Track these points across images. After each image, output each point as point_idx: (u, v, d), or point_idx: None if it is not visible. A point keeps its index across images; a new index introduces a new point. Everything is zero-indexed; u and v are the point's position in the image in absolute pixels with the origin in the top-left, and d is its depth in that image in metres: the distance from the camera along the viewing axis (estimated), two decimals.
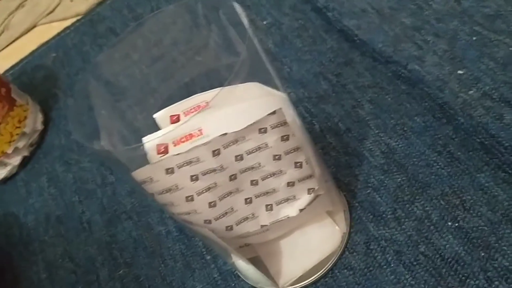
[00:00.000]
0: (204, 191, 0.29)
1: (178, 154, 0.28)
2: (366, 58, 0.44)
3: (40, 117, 0.58)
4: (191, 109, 0.33)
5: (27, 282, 0.46)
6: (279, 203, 0.32)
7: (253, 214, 0.32)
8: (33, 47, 0.73)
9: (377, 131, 0.40)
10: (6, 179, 0.56)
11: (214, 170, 0.29)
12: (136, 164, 0.29)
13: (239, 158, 0.29)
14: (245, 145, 0.29)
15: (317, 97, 0.45)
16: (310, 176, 0.31)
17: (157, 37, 0.33)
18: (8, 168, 0.55)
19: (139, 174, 0.29)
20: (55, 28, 0.73)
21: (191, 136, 0.30)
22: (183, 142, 0.30)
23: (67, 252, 0.46)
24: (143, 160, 0.30)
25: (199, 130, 0.30)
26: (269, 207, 0.32)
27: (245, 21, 0.28)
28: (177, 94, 0.34)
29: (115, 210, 0.47)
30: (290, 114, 0.29)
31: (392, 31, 0.45)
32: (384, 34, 0.45)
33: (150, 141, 0.30)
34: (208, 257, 0.40)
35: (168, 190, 0.29)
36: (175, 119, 0.33)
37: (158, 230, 0.43)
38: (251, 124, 0.28)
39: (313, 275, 0.35)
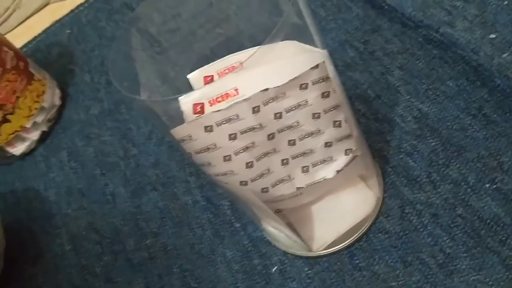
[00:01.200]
0: (242, 150, 0.29)
1: (218, 110, 0.27)
2: (395, 24, 0.44)
3: (57, 93, 0.57)
4: (225, 70, 0.32)
5: (50, 254, 0.46)
6: (315, 164, 0.31)
7: (289, 176, 0.31)
8: (46, 24, 0.72)
9: (408, 97, 0.39)
10: (25, 155, 0.55)
11: (253, 129, 0.28)
12: (174, 123, 0.28)
13: (278, 116, 0.29)
14: (285, 102, 0.28)
15: (344, 65, 0.44)
16: (348, 136, 0.31)
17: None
18: (27, 143, 0.54)
19: (178, 131, 0.28)
20: (68, 5, 0.72)
21: (227, 95, 0.29)
22: (219, 102, 0.29)
23: (91, 224, 0.46)
24: (181, 119, 0.29)
25: (235, 90, 0.29)
26: (305, 169, 0.31)
27: None
28: (207, 57, 0.33)
29: (139, 181, 0.46)
30: (331, 70, 0.29)
31: None
32: (413, 0, 0.44)
33: (186, 100, 0.29)
34: (238, 225, 0.39)
35: (206, 149, 0.29)
36: (209, 80, 0.32)
37: (185, 200, 0.43)
38: (292, 79, 0.27)
39: (347, 240, 0.35)
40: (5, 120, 0.52)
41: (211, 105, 0.29)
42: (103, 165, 0.49)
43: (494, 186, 0.33)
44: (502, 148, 0.34)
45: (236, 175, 0.30)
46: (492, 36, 0.39)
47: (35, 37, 0.71)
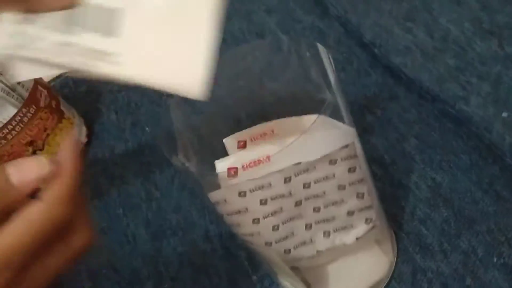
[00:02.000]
0: (270, 215, 0.31)
1: (253, 179, 0.30)
2: (412, 95, 0.46)
3: (84, 130, 0.60)
4: (257, 136, 0.35)
5: None
6: (336, 230, 0.34)
7: (311, 240, 0.34)
8: None
9: (422, 166, 0.42)
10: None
11: (282, 196, 0.31)
12: (207, 182, 0.31)
13: (307, 186, 0.31)
14: (314, 174, 0.31)
15: (362, 129, 0.47)
16: (369, 207, 0.33)
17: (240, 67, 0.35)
18: None
19: (215, 195, 0.31)
20: None
21: (259, 161, 0.32)
22: (251, 167, 0.32)
23: (111, 263, 0.47)
24: (215, 180, 0.31)
25: (267, 157, 0.31)
26: (326, 234, 0.34)
27: (329, 64, 0.30)
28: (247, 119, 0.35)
29: (160, 225, 0.48)
30: (358, 148, 0.31)
31: (436, 71, 0.47)
32: (429, 73, 0.47)
33: (222, 164, 0.32)
34: (254, 277, 0.41)
35: (238, 212, 0.31)
36: (242, 145, 0.35)
37: (204, 247, 0.45)
38: (324, 156, 0.30)
39: None
40: None
41: (244, 170, 0.32)
42: (126, 206, 0.52)
43: (502, 260, 0.35)
44: (510, 224, 0.36)
45: (262, 236, 0.32)
46: (504, 115, 0.42)
47: (64, 72, 0.74)
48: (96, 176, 0.56)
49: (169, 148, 0.32)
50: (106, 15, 0.24)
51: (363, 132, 0.47)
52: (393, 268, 0.37)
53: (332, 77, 0.32)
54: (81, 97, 0.68)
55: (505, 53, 0.46)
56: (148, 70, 0.24)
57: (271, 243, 0.33)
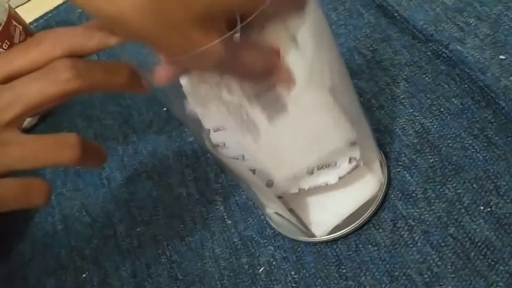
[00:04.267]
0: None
1: None
2: (405, 36, 0.43)
3: None
4: None
5: (41, 232, 0.46)
6: (320, 167, 0.31)
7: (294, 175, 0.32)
8: (58, 1, 0.71)
9: (411, 110, 0.39)
10: (25, 131, 0.55)
11: None
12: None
13: None
14: None
15: (350, 72, 0.43)
16: (354, 143, 0.31)
17: None
18: (28, 119, 0.54)
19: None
20: None
21: None
22: None
23: (85, 206, 0.46)
24: None
25: None
26: (310, 170, 0.32)
27: None
28: None
29: (136, 168, 0.46)
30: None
31: (432, 11, 0.44)
32: (425, 13, 0.44)
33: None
34: (229, 222, 0.39)
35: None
36: None
37: (179, 191, 0.43)
38: None
39: (351, 225, 0.34)
40: None
41: None
42: None
43: (489, 209, 0.33)
44: (501, 172, 0.34)
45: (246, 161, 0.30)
46: (502, 57, 0.39)
47: (46, 13, 0.70)
48: (73, 118, 0.54)
49: None
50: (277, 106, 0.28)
51: (352, 76, 0.43)
52: (384, 188, 0.35)
53: None
54: None
55: None
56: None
57: (254, 171, 0.31)
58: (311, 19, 0.26)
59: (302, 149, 0.31)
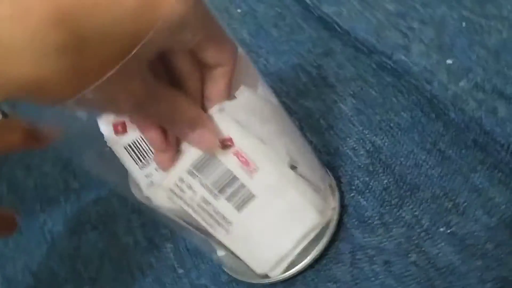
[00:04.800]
0: None
1: None
2: (348, 48, 0.41)
3: None
4: None
5: None
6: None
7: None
8: None
9: (361, 128, 0.37)
10: None
11: None
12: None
13: None
14: None
15: (296, 92, 0.41)
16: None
17: None
18: None
19: None
20: None
21: None
22: None
23: (28, 267, 0.42)
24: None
25: None
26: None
27: None
28: None
29: (79, 219, 0.43)
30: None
31: (374, 18, 0.42)
32: (366, 22, 0.42)
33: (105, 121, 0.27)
34: (181, 271, 0.36)
35: None
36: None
37: (126, 240, 0.40)
38: None
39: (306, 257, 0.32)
40: None
41: None
42: (43, 199, 0.46)
43: (449, 230, 0.31)
44: (458, 188, 0.32)
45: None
46: (449, 61, 0.37)
47: None
48: (12, 167, 0.50)
49: None
50: (244, 195, 0.28)
51: (298, 97, 0.41)
52: (336, 217, 0.32)
53: None
54: None
55: None
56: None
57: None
58: (247, 96, 0.27)
59: (278, 232, 0.30)
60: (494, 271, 0.28)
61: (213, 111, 0.27)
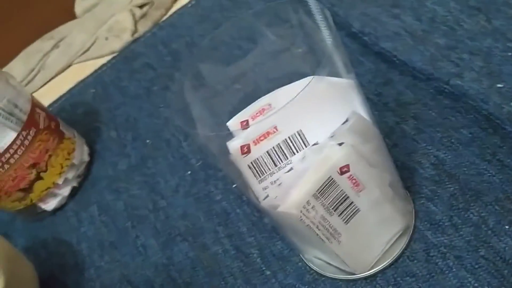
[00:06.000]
0: None
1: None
2: (406, 77, 0.47)
3: (86, 149, 0.60)
4: (256, 113, 0.35)
5: None
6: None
7: None
8: (70, 85, 0.76)
9: (424, 145, 0.42)
10: (56, 210, 0.57)
11: None
12: (224, 159, 0.32)
13: None
14: None
15: None
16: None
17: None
18: (58, 198, 0.57)
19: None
20: (90, 66, 0.77)
21: (268, 133, 0.32)
22: (262, 140, 0.32)
23: (125, 276, 0.47)
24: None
25: (274, 128, 0.32)
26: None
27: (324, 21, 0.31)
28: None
29: (169, 233, 0.48)
30: (358, 99, 0.32)
31: (427, 51, 0.47)
32: (421, 54, 0.47)
33: (233, 144, 0.32)
34: (268, 273, 0.41)
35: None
36: (245, 124, 0.35)
37: (215, 249, 0.45)
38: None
39: (389, 258, 0.37)
40: (38, 178, 0.55)
41: (255, 145, 0.32)
42: (133, 218, 0.52)
43: None
44: None
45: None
46: (499, 85, 0.42)
47: (60, 97, 0.75)
48: (101, 193, 0.56)
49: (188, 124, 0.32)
50: (352, 210, 0.33)
51: None
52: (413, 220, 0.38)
53: (326, 31, 0.32)
54: (79, 118, 0.69)
55: (493, 26, 0.46)
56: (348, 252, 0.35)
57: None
58: (357, 119, 0.32)
59: (374, 237, 0.36)
60: None
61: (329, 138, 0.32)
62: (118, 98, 0.67)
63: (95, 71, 0.74)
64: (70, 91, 0.75)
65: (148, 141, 0.58)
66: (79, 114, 0.69)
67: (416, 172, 0.41)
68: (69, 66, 0.81)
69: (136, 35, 0.75)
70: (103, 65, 0.74)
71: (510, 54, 0.44)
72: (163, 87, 0.64)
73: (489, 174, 0.38)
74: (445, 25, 0.49)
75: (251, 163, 0.33)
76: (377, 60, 0.50)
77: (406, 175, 0.41)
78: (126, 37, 0.74)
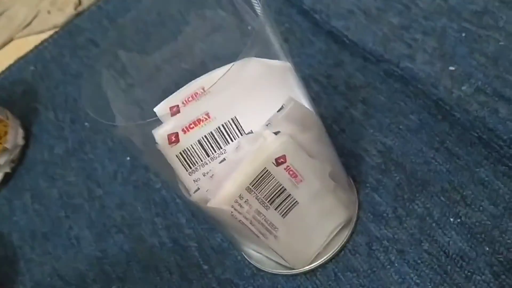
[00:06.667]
0: None
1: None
2: (357, 59, 0.44)
3: (21, 132, 0.56)
4: (189, 98, 0.32)
5: None
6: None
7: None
8: (10, 61, 0.70)
9: (372, 131, 0.40)
10: None
11: None
12: (149, 150, 0.29)
13: None
14: None
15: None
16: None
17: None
18: None
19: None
20: (32, 41, 0.71)
21: (199, 121, 0.29)
22: (192, 128, 0.29)
23: (56, 270, 0.44)
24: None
25: (206, 114, 0.29)
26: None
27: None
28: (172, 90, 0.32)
29: (104, 224, 0.45)
30: (294, 81, 0.30)
31: (380, 31, 0.45)
32: (373, 34, 0.45)
33: (160, 132, 0.29)
34: (206, 267, 0.38)
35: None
36: (175, 110, 0.32)
37: (151, 242, 0.42)
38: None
39: (329, 251, 0.34)
40: None
41: (184, 133, 0.29)
42: (68, 207, 0.48)
43: (458, 220, 0.33)
44: (465, 182, 0.34)
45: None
46: (452, 68, 0.40)
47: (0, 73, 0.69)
48: (36, 179, 0.52)
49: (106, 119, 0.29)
50: (290, 203, 0.31)
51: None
52: (356, 211, 0.36)
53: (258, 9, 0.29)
54: (17, 98, 0.64)
55: (449, 5, 0.44)
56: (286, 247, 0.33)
57: None
58: (293, 106, 0.29)
59: (315, 230, 0.33)
60: (501, 255, 0.31)
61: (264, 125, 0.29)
62: (58, 76, 0.63)
63: (36, 47, 0.69)
64: (9, 68, 0.70)
65: (86, 124, 0.54)
66: (17, 94, 0.64)
67: (362, 160, 0.38)
68: (10, 41, 0.76)
69: (80, 9, 0.70)
70: (45, 40, 0.69)
71: (464, 35, 0.42)
72: (106, 65, 0.60)
73: (436, 163, 0.36)
74: (400, 3, 0.47)
75: (180, 153, 0.30)
76: (328, 40, 0.47)
77: (352, 164, 0.39)
78: (69, 11, 0.69)
